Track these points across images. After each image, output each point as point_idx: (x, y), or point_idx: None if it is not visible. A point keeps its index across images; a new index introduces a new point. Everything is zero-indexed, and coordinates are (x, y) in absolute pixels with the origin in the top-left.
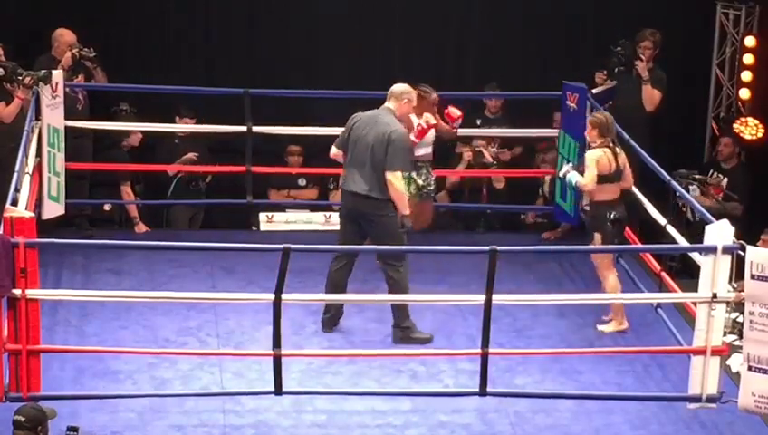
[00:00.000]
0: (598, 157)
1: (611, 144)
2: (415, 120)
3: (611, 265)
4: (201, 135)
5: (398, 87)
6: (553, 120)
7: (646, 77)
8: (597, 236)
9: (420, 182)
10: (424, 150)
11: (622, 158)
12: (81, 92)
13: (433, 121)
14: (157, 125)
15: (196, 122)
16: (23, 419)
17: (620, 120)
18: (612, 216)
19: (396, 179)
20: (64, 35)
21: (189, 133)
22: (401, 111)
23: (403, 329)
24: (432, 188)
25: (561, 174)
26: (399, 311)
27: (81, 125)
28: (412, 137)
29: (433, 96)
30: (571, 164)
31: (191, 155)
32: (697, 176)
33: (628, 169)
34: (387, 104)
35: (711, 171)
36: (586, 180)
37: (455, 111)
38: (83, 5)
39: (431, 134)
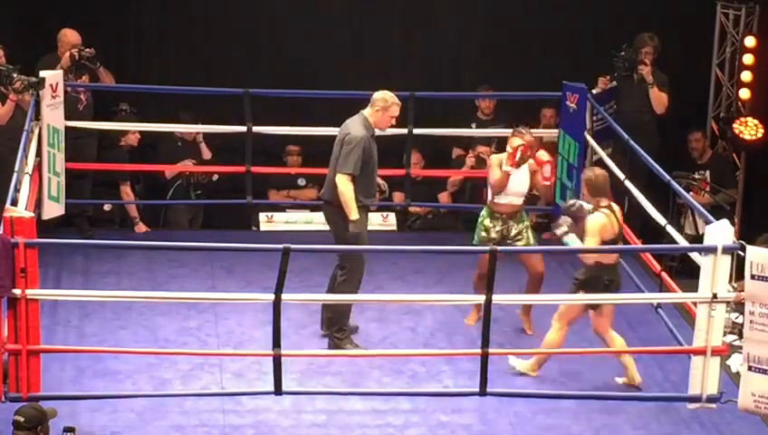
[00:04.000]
0: (601, 224)
1: (608, 203)
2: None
3: (610, 323)
4: (205, 137)
5: (376, 94)
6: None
7: (651, 81)
8: (582, 295)
9: (488, 234)
10: (505, 199)
11: (620, 216)
12: (84, 92)
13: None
14: (157, 125)
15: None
16: (23, 419)
17: (624, 124)
18: (607, 280)
19: (341, 182)
20: (67, 35)
21: (194, 137)
22: (374, 118)
23: (335, 332)
24: (510, 239)
25: (558, 232)
26: (334, 315)
27: (81, 125)
28: (507, 167)
29: (525, 137)
30: (568, 220)
31: (188, 162)
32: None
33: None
34: (365, 110)
35: (691, 172)
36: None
37: (543, 155)
38: (83, 5)
39: (518, 183)
